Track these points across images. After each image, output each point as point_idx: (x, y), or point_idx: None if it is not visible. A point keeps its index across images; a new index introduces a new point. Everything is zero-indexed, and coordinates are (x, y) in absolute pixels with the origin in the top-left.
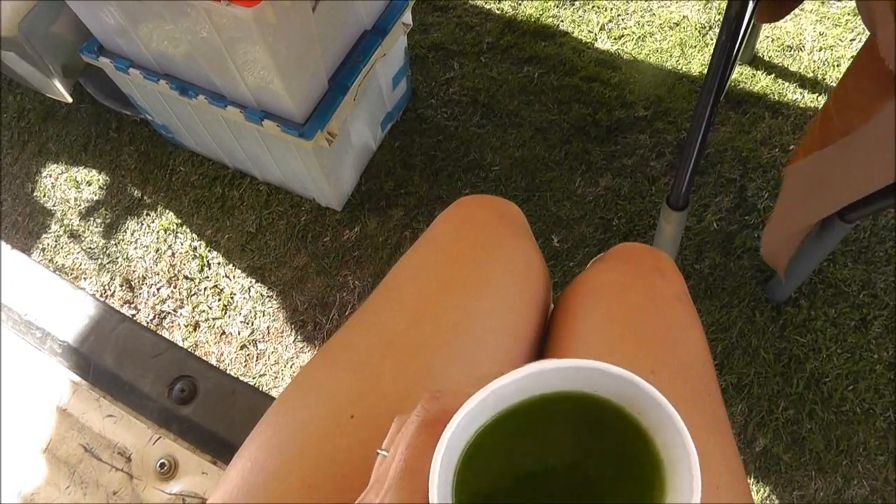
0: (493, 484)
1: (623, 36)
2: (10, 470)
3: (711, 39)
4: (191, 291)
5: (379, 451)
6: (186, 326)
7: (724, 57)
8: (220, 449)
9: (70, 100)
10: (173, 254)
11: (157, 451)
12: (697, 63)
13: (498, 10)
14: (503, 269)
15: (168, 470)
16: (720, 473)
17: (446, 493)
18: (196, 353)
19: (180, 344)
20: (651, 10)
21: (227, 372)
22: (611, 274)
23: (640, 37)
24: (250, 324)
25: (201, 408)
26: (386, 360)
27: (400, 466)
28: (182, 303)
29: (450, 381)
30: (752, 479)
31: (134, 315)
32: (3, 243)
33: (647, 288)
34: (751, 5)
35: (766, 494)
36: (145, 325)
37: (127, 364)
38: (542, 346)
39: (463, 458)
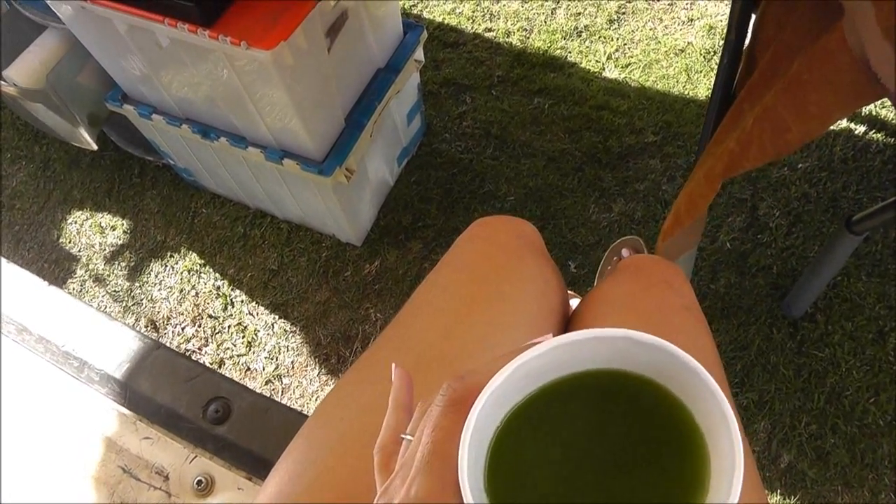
0: (528, 467)
1: (630, 64)
2: (51, 494)
3: (716, 64)
4: (215, 329)
5: (403, 435)
6: (211, 364)
7: (727, 79)
8: (255, 465)
9: (95, 147)
10: (197, 293)
11: (193, 470)
12: (704, 87)
13: (507, 44)
14: (524, 286)
15: (205, 487)
16: None
17: (477, 476)
18: None
19: None
20: (656, 38)
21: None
22: (621, 287)
23: (646, 64)
24: (275, 359)
25: (236, 427)
26: (417, 373)
27: (427, 450)
28: (207, 341)
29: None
30: (779, 496)
31: (193, 358)
32: (40, 278)
33: (657, 299)
34: (751, 30)
35: None
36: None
37: (162, 388)
38: None
39: (495, 441)
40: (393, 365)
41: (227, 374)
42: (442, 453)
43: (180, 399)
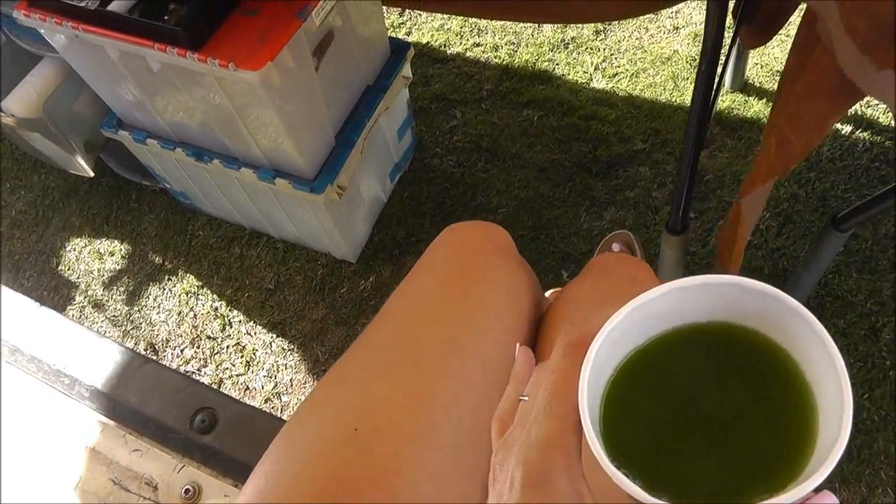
0: (639, 414)
1: (617, 74)
2: None
3: None
4: (214, 350)
5: (521, 397)
6: (211, 384)
7: (706, 87)
8: (242, 473)
9: (92, 174)
10: (195, 315)
11: (181, 479)
12: (691, 94)
13: (495, 58)
14: (493, 289)
15: (193, 495)
16: None
17: (594, 418)
18: None
19: None
20: (642, 47)
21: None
22: (587, 286)
23: (633, 73)
24: (273, 378)
25: (222, 436)
26: (386, 376)
27: (548, 391)
28: (206, 362)
29: (446, 393)
30: None
31: (180, 371)
32: (31, 300)
33: (623, 296)
34: (727, 36)
35: None
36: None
37: (151, 401)
38: None
39: (609, 388)
40: (518, 344)
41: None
42: (562, 394)
43: (168, 411)
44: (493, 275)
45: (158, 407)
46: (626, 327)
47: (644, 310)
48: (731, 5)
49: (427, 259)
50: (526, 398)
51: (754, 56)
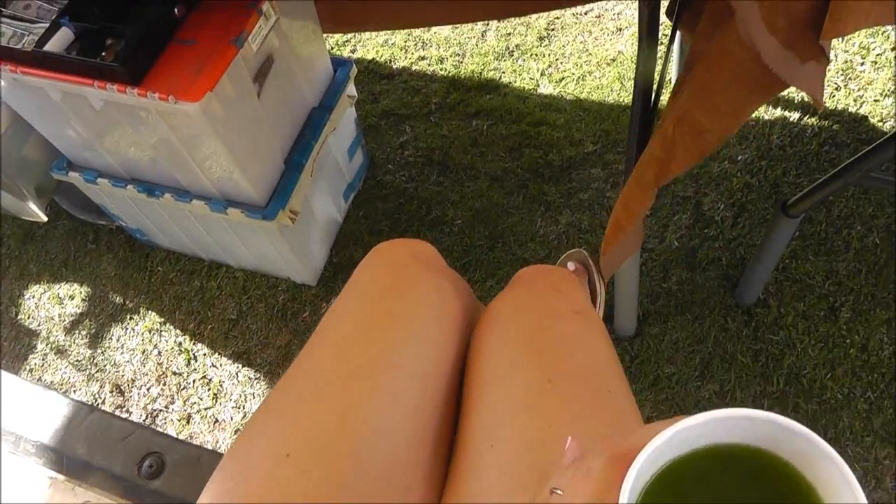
0: None
1: (563, 78)
2: None
3: None
4: (180, 386)
5: (555, 489)
6: (180, 420)
7: (645, 85)
8: None
9: (45, 219)
10: (159, 352)
11: None
12: None
13: (441, 70)
14: (418, 303)
15: None
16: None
17: None
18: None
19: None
20: (587, 50)
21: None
22: (508, 299)
23: (579, 77)
24: (242, 408)
25: (170, 479)
26: (316, 400)
27: (585, 498)
28: (173, 398)
29: (376, 410)
30: None
31: (126, 418)
32: None
33: (543, 307)
34: (667, 35)
35: None
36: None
37: (98, 451)
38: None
39: (643, 496)
40: (569, 438)
41: (195, 429)
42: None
43: (115, 459)
44: (416, 289)
45: (106, 456)
46: (668, 446)
47: (685, 433)
48: (664, 5)
49: (352, 281)
50: (560, 492)
51: None
